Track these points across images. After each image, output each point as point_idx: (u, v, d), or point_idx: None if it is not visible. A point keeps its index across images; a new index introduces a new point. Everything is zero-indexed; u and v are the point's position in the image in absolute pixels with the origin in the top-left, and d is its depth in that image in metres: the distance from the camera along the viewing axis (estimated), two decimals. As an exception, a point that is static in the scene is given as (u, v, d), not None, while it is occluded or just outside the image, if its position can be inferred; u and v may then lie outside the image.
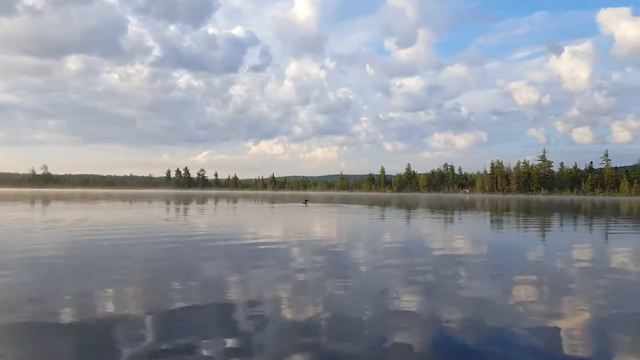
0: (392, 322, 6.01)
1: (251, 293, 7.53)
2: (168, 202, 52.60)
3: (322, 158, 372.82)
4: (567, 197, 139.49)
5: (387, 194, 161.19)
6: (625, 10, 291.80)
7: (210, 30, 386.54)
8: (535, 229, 22.49)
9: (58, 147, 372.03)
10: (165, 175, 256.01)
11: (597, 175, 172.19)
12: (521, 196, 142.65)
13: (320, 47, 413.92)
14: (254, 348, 4.98)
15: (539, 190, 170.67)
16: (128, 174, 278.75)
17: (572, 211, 43.27)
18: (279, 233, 18.17)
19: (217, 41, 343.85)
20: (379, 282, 8.56)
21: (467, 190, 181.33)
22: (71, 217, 25.75)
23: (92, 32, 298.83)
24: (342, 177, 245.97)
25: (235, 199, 70.39)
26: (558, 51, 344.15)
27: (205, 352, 4.79)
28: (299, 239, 15.70)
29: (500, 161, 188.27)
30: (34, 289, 7.43)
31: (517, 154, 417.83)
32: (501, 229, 23.04)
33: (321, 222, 24.82)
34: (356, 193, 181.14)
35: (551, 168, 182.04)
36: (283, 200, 68.71)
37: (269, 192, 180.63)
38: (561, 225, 26.04)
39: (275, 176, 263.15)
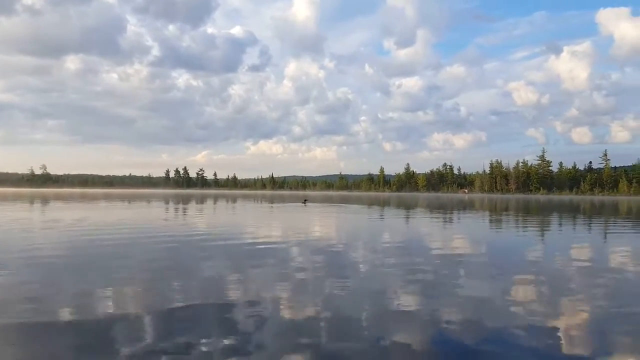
0: (390, 321, 6.01)
1: (250, 293, 7.53)
2: (167, 202, 52.57)
3: (321, 158, 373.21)
4: (566, 197, 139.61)
5: (386, 194, 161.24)
6: (624, 10, 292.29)
7: (209, 30, 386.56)
8: (534, 229, 22.51)
9: (57, 147, 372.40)
10: (164, 175, 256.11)
11: (596, 175, 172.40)
12: (520, 196, 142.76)
13: (320, 47, 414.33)
14: (252, 347, 4.98)
15: (538, 190, 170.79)
16: (127, 174, 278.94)
17: (571, 211, 43.32)
18: (278, 233, 18.16)
19: (216, 41, 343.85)
20: (378, 282, 8.56)
21: (466, 190, 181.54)
22: (70, 217, 25.73)
23: (91, 31, 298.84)
24: (341, 177, 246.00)
25: (234, 199, 70.37)
26: (557, 51, 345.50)
27: (204, 352, 4.79)
28: (298, 238, 15.69)
29: (499, 161, 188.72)
30: (32, 289, 7.42)
31: (516, 153, 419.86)
32: (500, 229, 23.06)
33: (320, 222, 24.82)
34: (355, 193, 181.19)
35: (550, 168, 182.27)
36: (282, 200, 68.70)
37: (268, 192, 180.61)
38: (560, 225, 26.06)
39: (274, 176, 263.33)
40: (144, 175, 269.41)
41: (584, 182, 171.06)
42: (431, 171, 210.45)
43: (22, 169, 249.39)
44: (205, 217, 28.02)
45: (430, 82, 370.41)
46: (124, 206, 40.91)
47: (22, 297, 6.90)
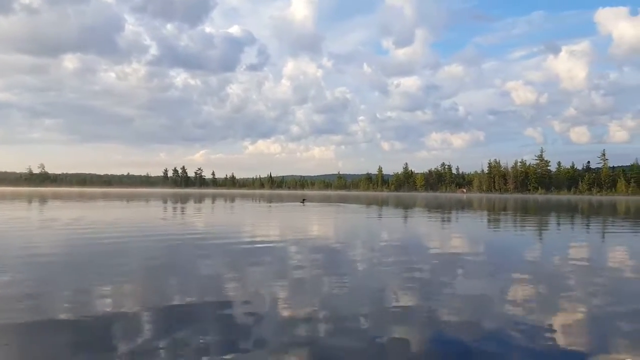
0: (388, 320, 6.02)
1: (248, 291, 7.52)
2: (165, 202, 52.53)
3: (319, 157, 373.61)
4: (564, 196, 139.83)
5: (385, 194, 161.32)
6: (623, 10, 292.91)
7: (207, 29, 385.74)
8: (532, 229, 22.54)
9: (55, 146, 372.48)
10: (162, 174, 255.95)
11: (594, 174, 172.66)
12: (518, 196, 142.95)
13: (318, 46, 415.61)
14: (249, 345, 4.98)
15: (536, 189, 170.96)
16: (125, 173, 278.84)
17: (569, 211, 43.38)
18: (277, 232, 18.16)
19: (214, 40, 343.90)
20: (376, 281, 8.56)
21: (465, 190, 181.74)
22: (68, 216, 25.69)
23: (89, 30, 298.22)
24: (340, 177, 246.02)
25: (232, 198, 70.35)
26: (556, 51, 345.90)
27: (203, 350, 4.79)
28: (297, 238, 15.69)
29: (498, 161, 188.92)
30: (29, 287, 7.41)
31: (514, 153, 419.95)
32: (498, 228, 23.08)
33: (319, 222, 24.82)
34: (353, 192, 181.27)
35: (548, 167, 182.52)
36: (280, 199, 68.68)
37: (266, 192, 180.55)
38: (558, 225, 26.10)
39: (272, 175, 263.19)
40: (142, 175, 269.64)
41: (582, 181, 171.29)
42: (429, 171, 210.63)
43: (20, 168, 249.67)
44: (204, 217, 28.01)
45: (429, 81, 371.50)
46: (122, 205, 40.86)
47: (20, 295, 6.88)
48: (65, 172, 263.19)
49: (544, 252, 13.71)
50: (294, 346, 4.99)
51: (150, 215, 28.65)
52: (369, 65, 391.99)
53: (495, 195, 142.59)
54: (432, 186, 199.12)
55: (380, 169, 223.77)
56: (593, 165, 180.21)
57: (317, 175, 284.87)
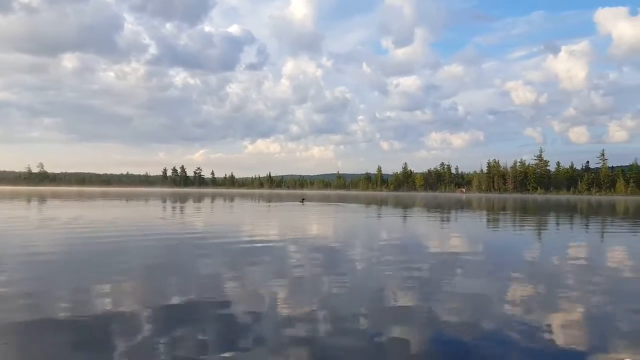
0: (386, 318, 6.02)
1: (247, 290, 7.53)
2: (164, 201, 52.51)
3: (318, 157, 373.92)
4: (563, 196, 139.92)
5: (384, 193, 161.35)
6: (622, 10, 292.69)
7: (207, 28, 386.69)
8: (531, 229, 22.55)
9: (54, 145, 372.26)
10: (161, 173, 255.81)
11: (593, 174, 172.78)
12: (517, 195, 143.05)
13: (317, 45, 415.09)
14: (249, 344, 4.98)
15: (535, 189, 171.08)
16: (124, 173, 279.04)
17: (568, 211, 43.41)
18: (276, 232, 18.16)
19: (213, 39, 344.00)
20: (375, 280, 8.56)
21: (464, 190, 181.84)
22: (67, 215, 25.67)
23: (88, 29, 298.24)
24: (339, 176, 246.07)
25: (231, 198, 70.33)
26: (555, 51, 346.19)
27: (201, 349, 4.79)
28: (296, 237, 15.69)
29: (497, 160, 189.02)
30: (29, 287, 7.40)
31: (513, 153, 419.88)
32: (497, 228, 23.09)
33: (318, 221, 24.82)
34: (353, 192, 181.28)
35: (548, 167, 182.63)
36: (280, 199, 68.68)
37: (265, 191, 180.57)
38: (557, 225, 26.11)
39: (272, 175, 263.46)
40: (141, 174, 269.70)
41: (581, 181, 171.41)
42: (429, 170, 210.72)
43: (19, 167, 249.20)
44: (203, 216, 28.00)
45: (428, 81, 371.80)
46: (121, 205, 40.84)
47: (18, 294, 6.88)
48: (64, 171, 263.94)
49: (543, 252, 13.71)
50: (292, 345, 4.99)
51: (149, 214, 28.63)
52: (369, 65, 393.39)
53: (494, 195, 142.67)
54: (431, 186, 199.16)
55: (379, 169, 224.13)
56: (592, 165, 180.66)
57: (317, 175, 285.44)
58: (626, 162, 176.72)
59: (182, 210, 33.41)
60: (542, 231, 21.03)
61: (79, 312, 6.06)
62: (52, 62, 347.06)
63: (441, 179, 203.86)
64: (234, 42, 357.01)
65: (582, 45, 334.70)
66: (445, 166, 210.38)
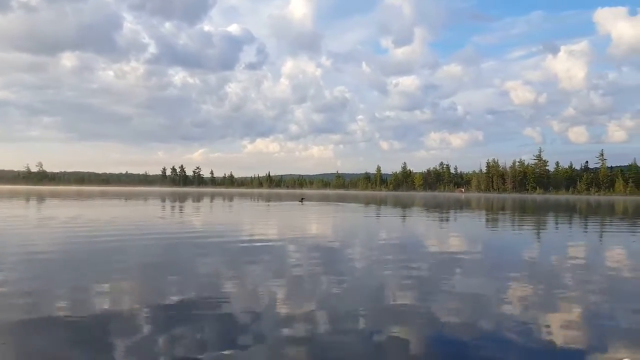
0: (385, 318, 6.02)
1: (246, 289, 7.52)
2: (163, 200, 52.50)
3: (318, 156, 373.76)
4: (562, 196, 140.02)
5: (383, 193, 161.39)
6: (621, 10, 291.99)
7: (206, 27, 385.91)
8: (530, 229, 22.56)
9: (53, 145, 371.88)
10: (160, 173, 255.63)
11: (592, 174, 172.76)
12: (516, 195, 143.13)
13: (317, 45, 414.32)
14: (247, 342, 4.98)
15: (534, 189, 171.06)
16: (123, 172, 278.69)
17: (567, 211, 43.44)
18: (275, 231, 18.16)
19: (212, 39, 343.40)
20: (374, 279, 8.57)
21: (463, 190, 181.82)
22: (66, 214, 25.64)
23: (87, 28, 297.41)
24: (338, 176, 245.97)
25: (231, 197, 70.33)
26: (554, 50, 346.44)
27: (200, 347, 4.79)
28: (295, 236, 15.69)
29: (496, 160, 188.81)
30: (27, 285, 7.39)
31: (512, 153, 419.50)
32: (496, 228, 23.10)
33: (318, 221, 24.83)
34: (352, 192, 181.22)
35: (547, 167, 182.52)
36: (279, 198, 68.69)
37: (264, 190, 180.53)
38: (556, 224, 26.13)
39: (271, 174, 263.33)
40: (141, 173, 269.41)
41: (580, 181, 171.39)
42: (428, 170, 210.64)
43: (18, 166, 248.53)
44: (202, 216, 27.99)
45: (428, 81, 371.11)
46: (120, 204, 40.82)
47: (16, 293, 6.88)
48: (63, 170, 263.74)
49: (542, 252, 13.72)
50: (290, 344, 4.99)
51: (149, 214, 28.62)
52: (368, 65, 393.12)
53: (493, 195, 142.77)
54: (430, 186, 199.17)
55: (378, 169, 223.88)
56: (591, 165, 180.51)
57: (316, 175, 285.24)
58: (625, 162, 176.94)
59: (181, 210, 33.39)
60: (540, 231, 21.04)
61: (77, 311, 6.06)
62: (51, 61, 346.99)
63: (440, 179, 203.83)
64: (234, 41, 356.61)
65: (582, 45, 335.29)
66: (445, 166, 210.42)
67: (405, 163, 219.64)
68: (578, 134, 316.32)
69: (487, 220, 27.73)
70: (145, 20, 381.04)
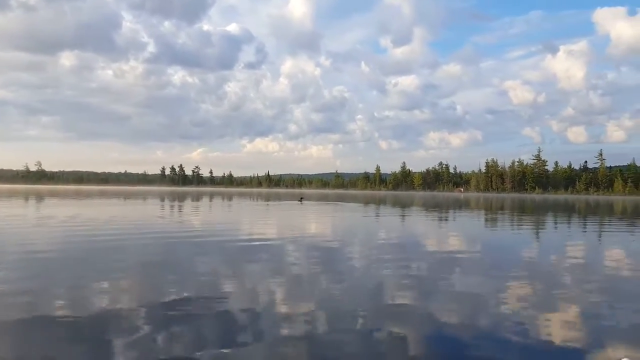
0: (383, 316, 6.02)
1: (244, 288, 7.51)
2: (162, 200, 52.47)
3: (317, 156, 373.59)
4: (561, 196, 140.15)
5: (382, 192, 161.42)
6: (621, 10, 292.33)
7: (205, 26, 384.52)
8: (529, 228, 22.57)
9: (52, 144, 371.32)
10: (159, 172, 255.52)
11: (591, 174, 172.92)
12: (516, 195, 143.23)
13: (316, 44, 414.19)
14: (245, 340, 4.97)
15: (533, 189, 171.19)
16: (122, 171, 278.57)
17: (566, 210, 43.48)
18: (274, 230, 18.15)
19: (212, 38, 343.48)
20: (373, 278, 8.57)
21: (462, 189, 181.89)
22: (65, 213, 25.61)
23: (86, 27, 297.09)
24: (337, 175, 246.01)
25: (230, 197, 70.30)
26: (553, 50, 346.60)
27: (199, 346, 4.78)
28: (294, 236, 15.69)
29: (495, 160, 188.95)
30: (26, 284, 7.38)
31: (511, 153, 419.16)
32: (495, 227, 23.11)
33: (317, 220, 24.82)
34: (351, 191, 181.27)
35: (546, 167, 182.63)
36: (278, 198, 68.68)
37: (264, 190, 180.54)
38: (555, 224, 26.15)
39: (270, 174, 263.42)
40: (139, 173, 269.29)
41: (579, 181, 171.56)
42: (427, 170, 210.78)
43: (17, 166, 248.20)
44: (201, 215, 27.97)
45: (427, 80, 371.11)
46: (119, 203, 40.79)
47: (15, 292, 6.87)
48: (62, 169, 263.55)
49: (541, 251, 13.72)
50: (288, 342, 4.98)
51: (147, 213, 28.60)
52: (367, 64, 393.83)
53: (492, 195, 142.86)
54: (429, 185, 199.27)
55: (378, 168, 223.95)
56: (590, 165, 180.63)
57: (315, 174, 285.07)
58: (624, 162, 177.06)
59: (180, 209, 33.38)
60: (539, 231, 21.05)
61: (75, 309, 6.04)
62: (50, 60, 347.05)
63: (439, 179, 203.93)
64: (233, 40, 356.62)
65: (581, 45, 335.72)
66: (444, 165, 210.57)
67: (404, 163, 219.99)
68: (577, 134, 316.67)
69: (486, 220, 27.74)
70: (145, 20, 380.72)
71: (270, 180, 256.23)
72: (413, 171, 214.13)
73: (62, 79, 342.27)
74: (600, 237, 18.91)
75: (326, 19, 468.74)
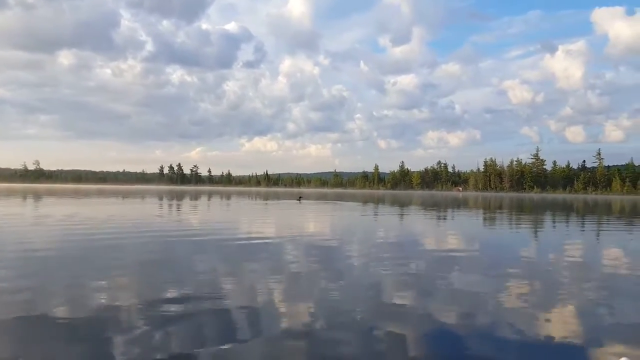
0: (382, 314, 6.01)
1: (243, 286, 7.50)
2: (161, 199, 52.43)
3: (315, 155, 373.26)
4: (559, 195, 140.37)
5: (381, 192, 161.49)
6: (619, 10, 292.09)
7: (204, 25, 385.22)
8: (527, 227, 22.59)
9: (50, 143, 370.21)
10: (158, 171, 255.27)
11: (589, 174, 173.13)
12: (514, 194, 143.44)
13: (315, 43, 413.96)
14: (243, 339, 4.96)
15: (531, 188, 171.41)
16: (120, 170, 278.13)
17: (565, 209, 43.54)
18: (272, 229, 18.15)
19: (210, 37, 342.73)
20: (372, 277, 8.56)
21: (461, 188, 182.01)
22: (63, 212, 25.59)
23: (85, 26, 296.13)
24: (336, 174, 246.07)
25: (228, 196, 70.26)
26: (552, 50, 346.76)
27: (198, 344, 4.77)
28: (293, 235, 15.69)
29: (494, 159, 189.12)
30: (24, 283, 7.36)
31: (510, 152, 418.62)
32: (494, 226, 23.13)
33: (315, 219, 24.82)
34: (350, 190, 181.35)
35: (544, 166, 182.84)
36: (277, 197, 68.67)
37: (262, 189, 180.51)
38: (553, 223, 26.18)
39: (268, 173, 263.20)
40: (138, 172, 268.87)
41: (577, 181, 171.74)
42: (426, 169, 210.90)
43: (15, 164, 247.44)
44: (200, 214, 27.96)
45: (426, 80, 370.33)
46: (117, 202, 40.75)
47: (14, 290, 6.85)
48: (60, 168, 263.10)
49: (539, 250, 13.73)
50: (286, 340, 4.98)
51: (146, 212, 28.57)
52: (366, 63, 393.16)
53: (491, 194, 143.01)
54: (428, 184, 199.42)
55: (376, 167, 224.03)
56: (588, 165, 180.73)
57: (314, 173, 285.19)
58: (622, 162, 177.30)
59: (178, 208, 33.35)
60: (538, 230, 21.08)
61: (74, 307, 6.03)
62: (48, 59, 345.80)
63: (438, 178, 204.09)
64: (231, 39, 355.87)
65: (579, 44, 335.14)
66: (442, 165, 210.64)
67: (403, 162, 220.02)
68: (575, 134, 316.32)
69: (485, 219, 27.76)
70: (143, 18, 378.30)
71: (269, 179, 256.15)
72: (412, 170, 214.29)
73: (60, 77, 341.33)
74: (598, 236, 18.94)
75: (325, 18, 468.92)
